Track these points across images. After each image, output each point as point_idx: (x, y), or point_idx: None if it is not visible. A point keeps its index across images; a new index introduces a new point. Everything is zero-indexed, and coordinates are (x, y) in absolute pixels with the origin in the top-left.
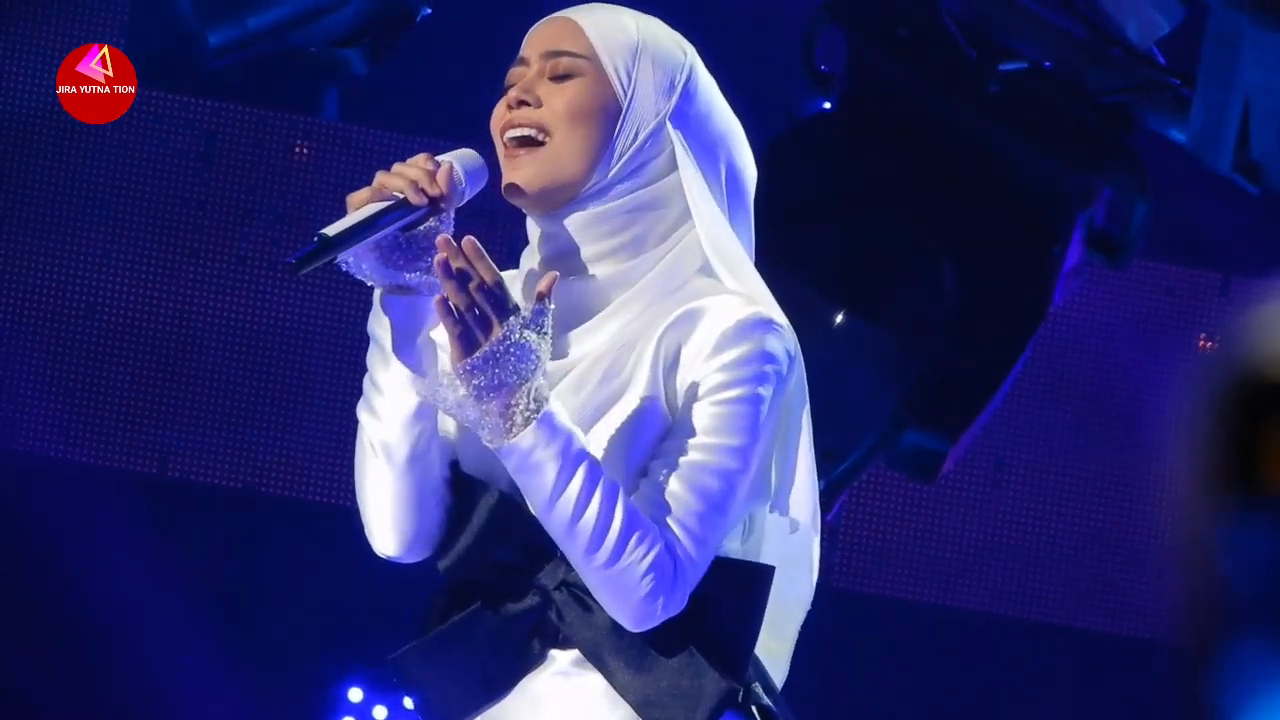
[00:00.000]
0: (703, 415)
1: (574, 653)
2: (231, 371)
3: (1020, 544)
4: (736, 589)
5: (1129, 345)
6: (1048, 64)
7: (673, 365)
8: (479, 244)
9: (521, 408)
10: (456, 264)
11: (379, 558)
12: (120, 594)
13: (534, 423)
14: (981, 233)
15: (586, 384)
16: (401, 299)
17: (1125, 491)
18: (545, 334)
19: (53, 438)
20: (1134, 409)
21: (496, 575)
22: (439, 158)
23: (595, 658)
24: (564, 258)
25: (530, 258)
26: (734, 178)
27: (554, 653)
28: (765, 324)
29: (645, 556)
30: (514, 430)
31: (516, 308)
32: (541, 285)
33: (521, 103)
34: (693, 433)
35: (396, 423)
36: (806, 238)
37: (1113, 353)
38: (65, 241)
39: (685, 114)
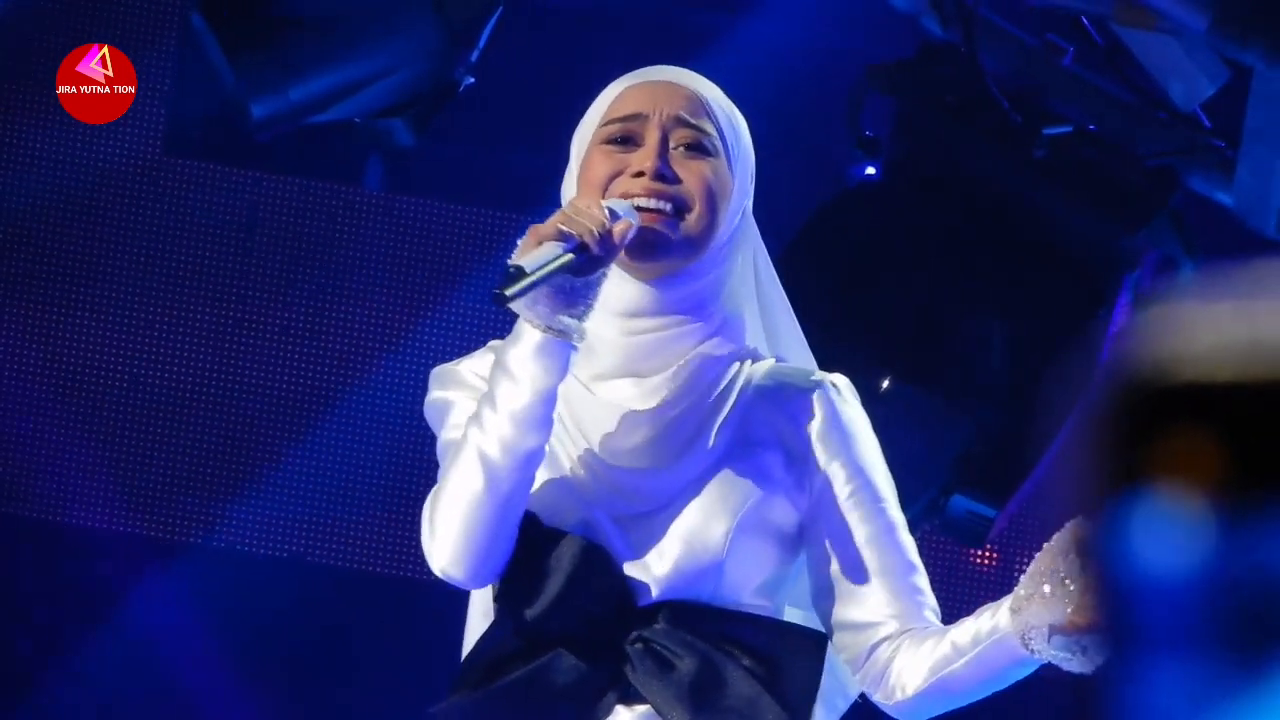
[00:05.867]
0: (856, 509)
1: (642, 708)
2: (276, 440)
3: None
4: (799, 653)
5: None
6: (1093, 127)
7: (773, 444)
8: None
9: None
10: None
11: (428, 625)
12: (168, 663)
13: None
14: (1028, 297)
15: (692, 439)
16: (553, 341)
17: None
18: None
19: (98, 509)
20: None
21: (580, 628)
22: (607, 205)
23: (667, 716)
24: (645, 314)
25: (603, 309)
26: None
27: (620, 709)
28: (843, 396)
29: None
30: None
31: None
32: None
33: (662, 175)
34: (860, 521)
35: (511, 456)
36: (854, 302)
37: None
38: (107, 313)
39: (748, 193)
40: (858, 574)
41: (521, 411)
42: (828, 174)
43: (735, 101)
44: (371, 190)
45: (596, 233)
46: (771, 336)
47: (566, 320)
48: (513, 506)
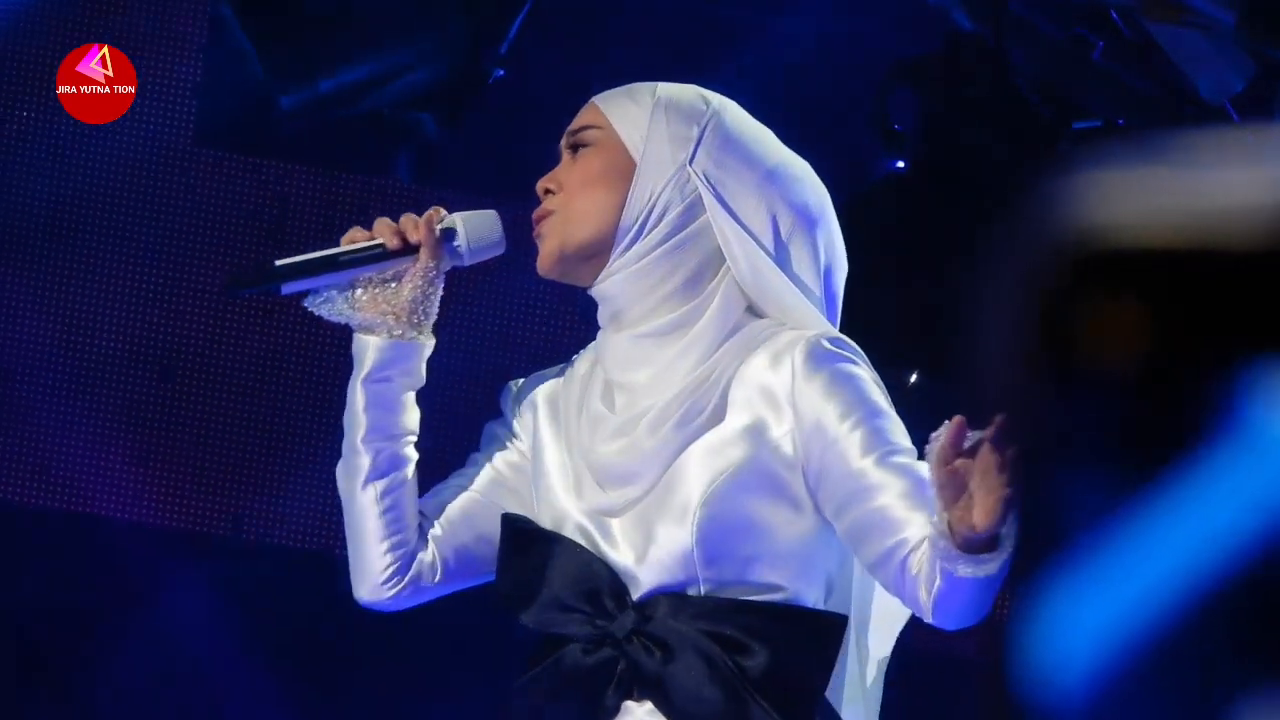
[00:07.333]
0: (856, 445)
1: (649, 704)
2: (306, 433)
3: None
4: (810, 639)
5: None
6: (1121, 122)
7: (753, 414)
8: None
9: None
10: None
11: (456, 618)
12: (197, 656)
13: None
14: None
15: (666, 422)
16: (357, 336)
17: None
18: None
19: (126, 502)
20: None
21: (572, 626)
22: (452, 214)
23: (668, 708)
24: (620, 316)
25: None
26: (791, 214)
27: (629, 704)
28: (824, 347)
29: None
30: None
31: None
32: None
33: (547, 191)
34: (861, 454)
35: (351, 452)
36: (879, 298)
37: None
38: (137, 304)
39: (712, 158)
40: (872, 507)
41: (347, 400)
42: (855, 168)
43: (762, 93)
44: (401, 182)
45: (397, 229)
46: (777, 312)
47: (365, 316)
48: (376, 503)
